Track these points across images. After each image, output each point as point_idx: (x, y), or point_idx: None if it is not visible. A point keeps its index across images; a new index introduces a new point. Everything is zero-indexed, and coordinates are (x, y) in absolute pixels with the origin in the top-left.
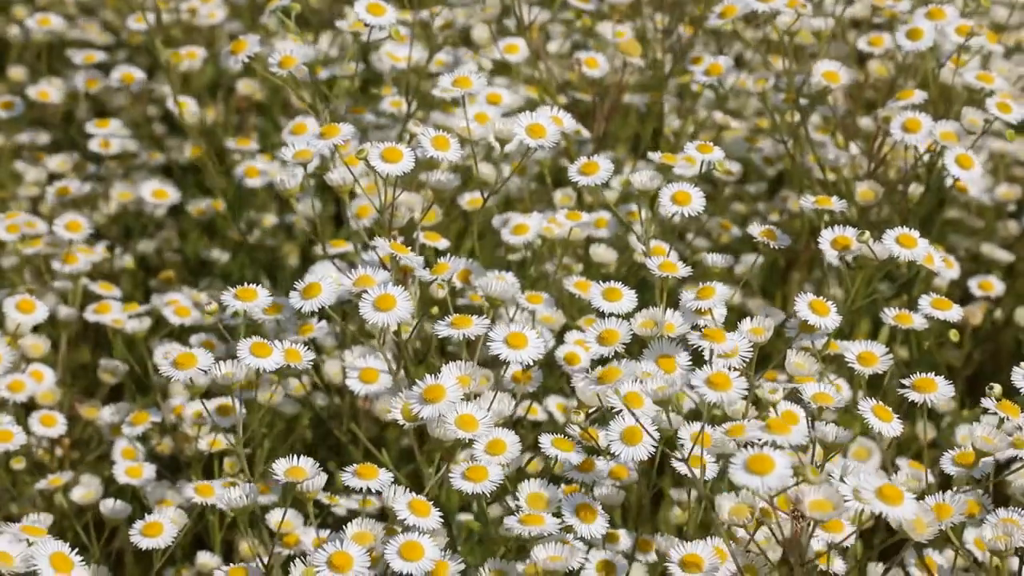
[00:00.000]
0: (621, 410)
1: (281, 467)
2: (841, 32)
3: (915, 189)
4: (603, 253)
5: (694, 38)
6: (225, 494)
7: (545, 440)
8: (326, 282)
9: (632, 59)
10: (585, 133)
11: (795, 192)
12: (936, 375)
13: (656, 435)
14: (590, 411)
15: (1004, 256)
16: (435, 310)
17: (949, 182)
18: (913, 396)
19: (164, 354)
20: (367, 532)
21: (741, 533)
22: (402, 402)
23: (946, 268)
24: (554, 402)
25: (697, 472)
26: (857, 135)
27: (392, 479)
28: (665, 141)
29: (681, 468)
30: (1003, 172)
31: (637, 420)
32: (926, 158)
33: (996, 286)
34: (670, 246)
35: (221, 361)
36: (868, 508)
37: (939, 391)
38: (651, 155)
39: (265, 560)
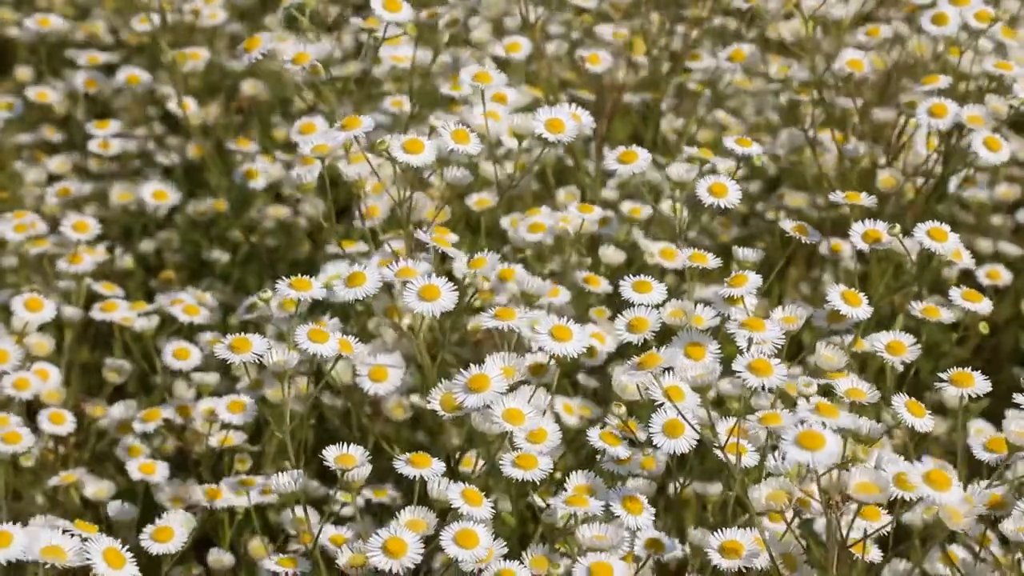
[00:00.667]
0: (663, 403)
1: (331, 454)
2: (857, 23)
3: (927, 184)
4: (612, 254)
5: (697, 37)
6: (274, 480)
7: (593, 434)
8: (370, 272)
9: (636, 57)
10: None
11: (796, 189)
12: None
13: (697, 428)
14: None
15: (1012, 250)
16: (478, 302)
17: (953, 186)
18: (951, 390)
19: (172, 352)
20: (420, 519)
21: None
22: (441, 393)
23: (955, 260)
24: (560, 403)
25: (733, 459)
26: (871, 126)
27: (444, 468)
28: (664, 140)
29: (720, 456)
30: (1003, 172)
31: (680, 413)
32: (942, 147)
33: (1003, 275)
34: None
35: (272, 349)
36: (915, 493)
37: (976, 385)
38: (687, 149)
39: (313, 543)
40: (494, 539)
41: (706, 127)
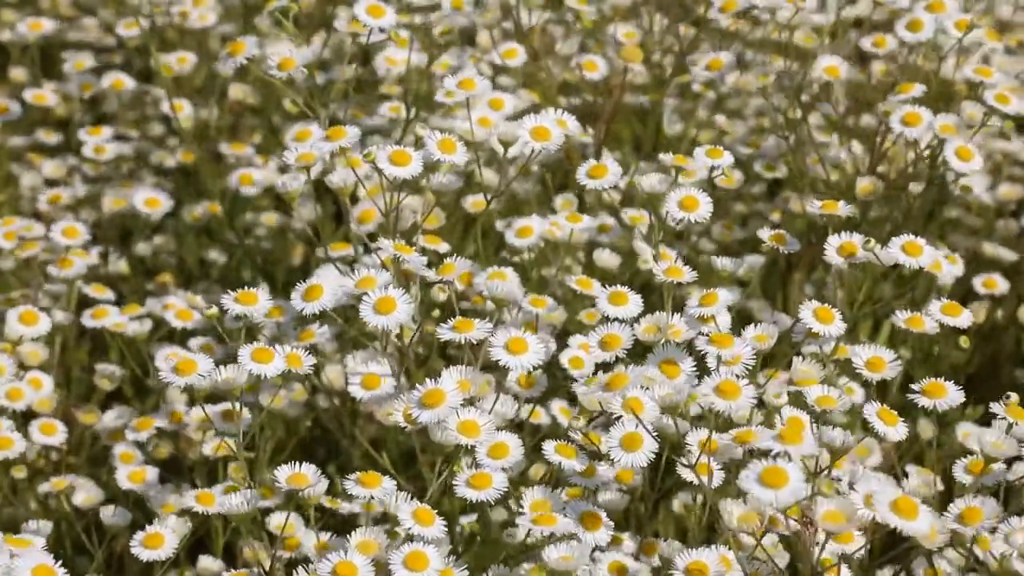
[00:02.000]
0: (622, 416)
1: (283, 474)
2: (842, 31)
3: (915, 187)
4: (607, 259)
5: (696, 39)
6: (226, 500)
7: (548, 447)
8: (327, 285)
9: (633, 65)
10: (587, 136)
11: (795, 192)
12: (939, 375)
13: (657, 442)
14: (592, 416)
15: (1007, 255)
16: (436, 313)
17: (951, 179)
18: (923, 401)
19: (165, 358)
20: (371, 541)
21: (748, 540)
22: (403, 406)
23: (950, 264)
24: (557, 406)
25: (704, 480)
26: (857, 134)
27: (395, 486)
28: (665, 143)
29: (688, 475)
30: (1004, 171)
31: (641, 423)
32: (926, 153)
33: (1000, 284)
34: (677, 251)
35: (222, 366)
36: (882, 521)
37: (949, 396)
38: (662, 156)
39: (267, 565)
40: (455, 559)
41: (707, 129)
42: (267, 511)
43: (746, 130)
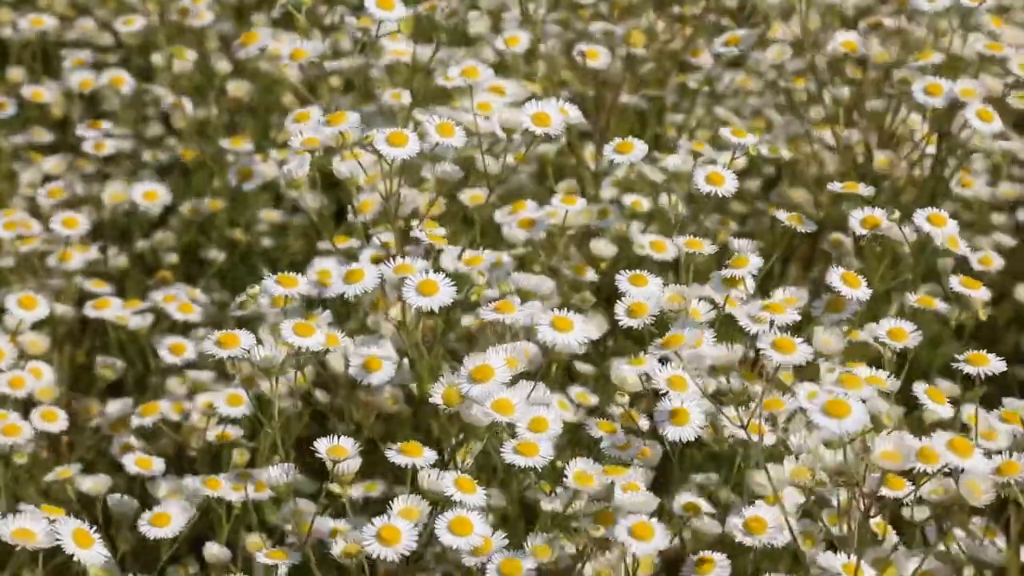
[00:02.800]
0: (667, 392)
1: (323, 445)
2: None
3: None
4: (603, 247)
5: (697, 32)
6: (265, 472)
7: (591, 422)
8: (369, 268)
9: (635, 49)
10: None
11: (797, 182)
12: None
13: (701, 417)
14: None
15: (1007, 240)
16: (475, 296)
17: (954, 183)
18: (968, 369)
19: (167, 347)
20: (413, 507)
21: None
22: (444, 386)
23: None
24: (574, 392)
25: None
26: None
27: (436, 457)
28: (663, 135)
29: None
30: (1004, 171)
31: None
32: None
33: (995, 260)
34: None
35: (258, 345)
36: (936, 465)
37: (991, 365)
38: (681, 142)
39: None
40: (492, 532)
41: (704, 126)
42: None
43: (745, 127)
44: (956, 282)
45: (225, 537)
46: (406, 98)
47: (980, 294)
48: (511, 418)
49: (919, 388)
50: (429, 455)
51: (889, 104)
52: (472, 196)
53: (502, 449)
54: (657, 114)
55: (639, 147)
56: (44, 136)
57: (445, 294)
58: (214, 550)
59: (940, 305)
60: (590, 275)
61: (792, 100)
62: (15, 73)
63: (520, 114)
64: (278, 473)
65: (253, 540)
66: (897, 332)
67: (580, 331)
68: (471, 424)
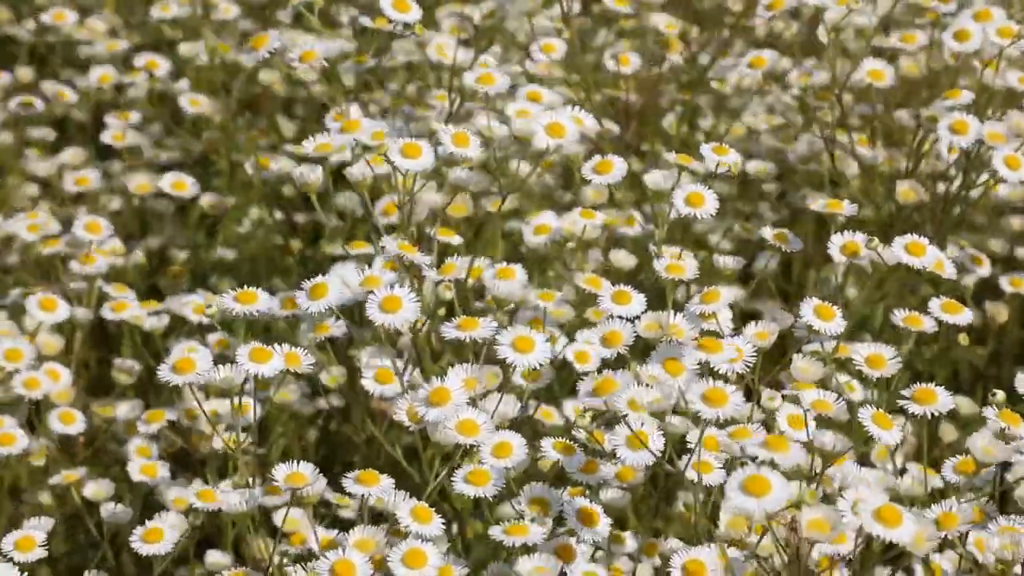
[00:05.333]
0: (627, 414)
1: (281, 473)
2: (880, 31)
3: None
4: (623, 258)
5: (731, 39)
6: (225, 499)
7: (546, 443)
8: (333, 283)
9: (671, 55)
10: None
11: (818, 193)
12: (957, 375)
13: (661, 441)
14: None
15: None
16: (442, 311)
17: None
18: (913, 408)
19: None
20: (369, 539)
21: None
22: (408, 404)
23: (977, 266)
24: (571, 406)
25: (701, 479)
26: (891, 132)
27: (393, 484)
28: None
29: (689, 474)
30: None
31: (631, 429)
32: (953, 160)
33: None
34: (682, 250)
35: (220, 365)
36: (866, 529)
37: (939, 402)
38: (666, 155)
39: (268, 562)
40: (456, 558)
41: (733, 129)
42: (277, 507)
43: (770, 131)
44: (937, 306)
45: (230, 544)
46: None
47: (962, 319)
48: (475, 439)
49: (864, 413)
50: (386, 483)
51: (917, 127)
52: (495, 202)
53: (453, 478)
54: (689, 118)
55: (618, 167)
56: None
57: (408, 310)
58: (216, 557)
59: (927, 324)
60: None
61: (814, 116)
62: (22, 73)
63: (533, 124)
64: (237, 500)
65: (257, 546)
66: (876, 359)
67: (541, 351)
68: (439, 443)
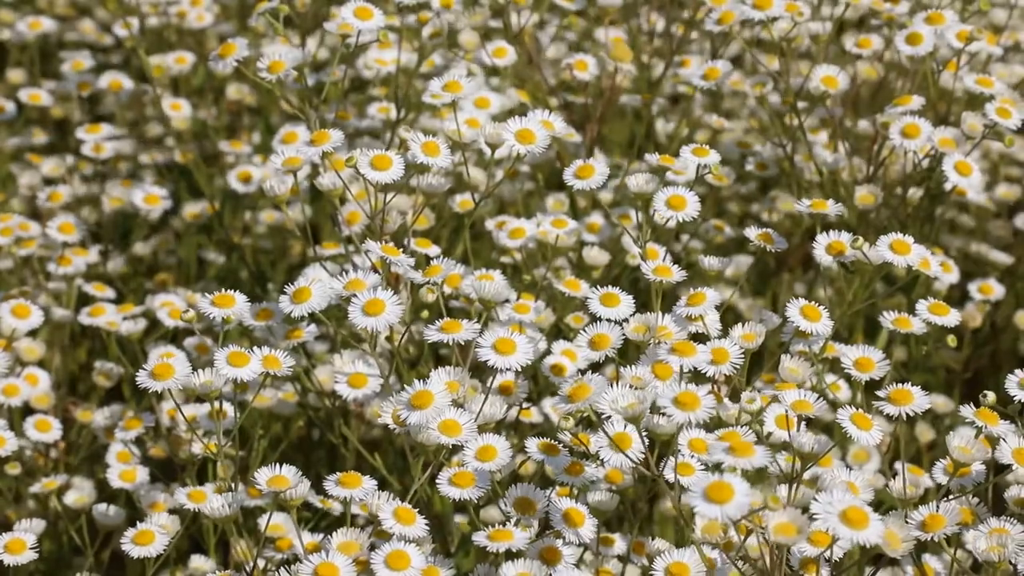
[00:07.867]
0: (611, 416)
1: (263, 476)
2: (835, 35)
3: (914, 192)
4: (595, 256)
5: (687, 38)
6: (208, 503)
7: (531, 444)
8: (316, 286)
9: (623, 65)
10: (577, 137)
11: (788, 193)
12: (933, 378)
13: (644, 443)
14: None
15: (1002, 259)
16: (425, 314)
17: (948, 186)
18: (889, 409)
19: (159, 357)
20: (353, 541)
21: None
22: (392, 407)
23: (944, 272)
24: (549, 404)
25: (680, 481)
26: (852, 137)
27: (376, 486)
28: (654, 143)
29: (670, 477)
30: (1001, 172)
31: (606, 434)
32: (925, 163)
33: (996, 289)
34: (665, 249)
35: (200, 370)
36: (832, 533)
37: (915, 402)
38: (648, 157)
39: (252, 566)
40: (440, 558)
41: (701, 128)
42: (262, 510)
43: (740, 130)
44: (924, 308)
45: (213, 548)
46: (393, 111)
47: (950, 319)
48: (457, 439)
49: (843, 414)
50: (368, 485)
51: (876, 133)
52: (462, 202)
53: (438, 480)
54: (649, 120)
55: (600, 171)
56: (43, 138)
57: (392, 313)
58: (200, 562)
59: (917, 326)
60: (587, 290)
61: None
62: (13, 75)
63: (503, 130)
64: (220, 505)
65: (240, 549)
66: (864, 362)
67: (523, 353)
68: (423, 444)
